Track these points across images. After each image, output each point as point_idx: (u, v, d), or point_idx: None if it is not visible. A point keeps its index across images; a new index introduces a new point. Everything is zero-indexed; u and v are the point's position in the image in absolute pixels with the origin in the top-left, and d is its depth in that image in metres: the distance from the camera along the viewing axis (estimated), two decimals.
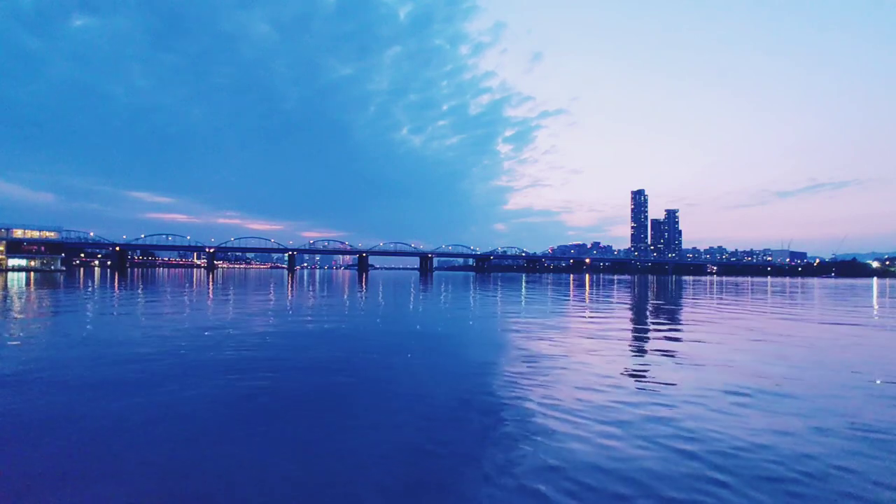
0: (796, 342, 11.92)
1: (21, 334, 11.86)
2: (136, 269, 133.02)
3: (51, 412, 5.50)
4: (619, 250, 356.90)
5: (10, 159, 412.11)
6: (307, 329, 13.33)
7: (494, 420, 5.41)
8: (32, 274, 74.67)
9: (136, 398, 6.10)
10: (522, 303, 25.41)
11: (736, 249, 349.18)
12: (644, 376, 7.84)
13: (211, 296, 27.88)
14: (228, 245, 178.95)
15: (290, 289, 37.77)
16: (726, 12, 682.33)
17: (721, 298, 31.70)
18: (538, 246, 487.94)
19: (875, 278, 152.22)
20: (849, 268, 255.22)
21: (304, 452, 4.44)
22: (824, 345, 11.53)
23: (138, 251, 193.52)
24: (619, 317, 18.75)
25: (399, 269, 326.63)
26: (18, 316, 16.06)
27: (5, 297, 24.62)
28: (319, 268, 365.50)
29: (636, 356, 9.99)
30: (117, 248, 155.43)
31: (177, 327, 13.14)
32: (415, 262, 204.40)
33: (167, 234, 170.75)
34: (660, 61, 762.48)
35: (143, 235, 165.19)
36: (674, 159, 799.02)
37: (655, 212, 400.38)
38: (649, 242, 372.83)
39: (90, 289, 33.28)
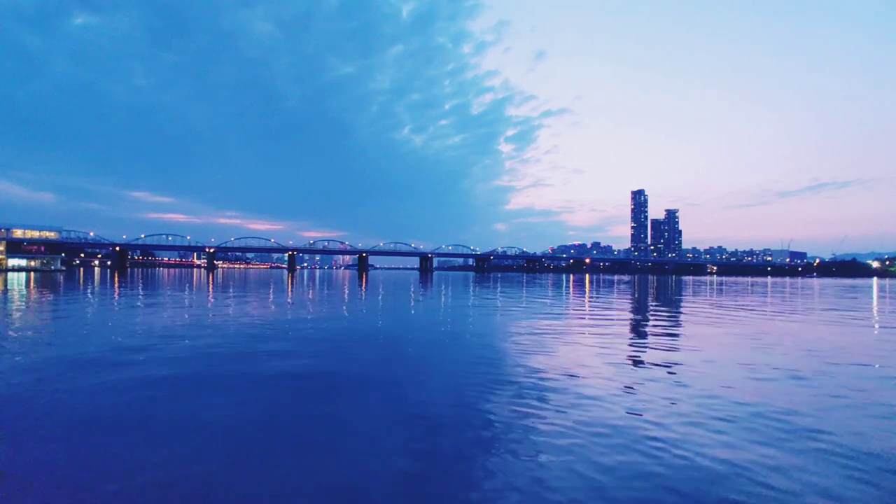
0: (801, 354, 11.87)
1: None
2: (136, 269, 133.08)
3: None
4: (619, 250, 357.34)
5: (10, 159, 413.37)
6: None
7: None
8: (32, 274, 74.73)
9: None
10: (523, 303, 25.41)
11: (736, 249, 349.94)
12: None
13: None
14: (228, 245, 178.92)
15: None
16: (728, 13, 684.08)
17: (720, 300, 31.68)
18: (538, 246, 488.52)
19: (875, 278, 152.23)
20: (849, 268, 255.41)
21: None
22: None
23: (138, 251, 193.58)
24: (620, 321, 18.71)
25: (399, 269, 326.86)
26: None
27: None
28: (319, 268, 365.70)
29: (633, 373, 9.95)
30: (117, 248, 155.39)
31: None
32: (415, 262, 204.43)
33: (167, 234, 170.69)
34: (661, 61, 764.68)
35: (143, 235, 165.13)
36: (674, 159, 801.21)
37: (656, 212, 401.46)
38: (649, 242, 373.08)
39: (93, 290, 33.25)
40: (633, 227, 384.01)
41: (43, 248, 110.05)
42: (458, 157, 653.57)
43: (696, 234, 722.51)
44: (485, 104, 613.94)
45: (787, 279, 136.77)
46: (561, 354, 10.11)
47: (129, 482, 3.92)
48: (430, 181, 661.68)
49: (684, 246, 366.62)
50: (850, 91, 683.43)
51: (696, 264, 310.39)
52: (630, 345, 11.87)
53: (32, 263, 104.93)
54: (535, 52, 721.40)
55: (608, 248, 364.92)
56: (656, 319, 18.55)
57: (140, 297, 26.89)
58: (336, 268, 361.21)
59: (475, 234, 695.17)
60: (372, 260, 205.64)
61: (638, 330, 15.34)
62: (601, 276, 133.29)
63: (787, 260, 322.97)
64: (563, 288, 47.62)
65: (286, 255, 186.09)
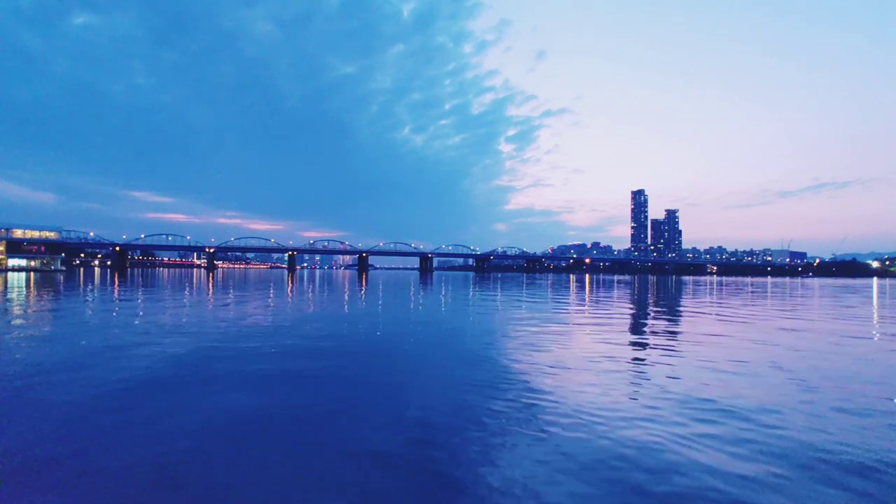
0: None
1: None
2: (136, 269, 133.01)
3: None
4: (619, 250, 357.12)
5: (11, 159, 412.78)
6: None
7: None
8: (32, 274, 74.71)
9: None
10: (523, 305, 25.41)
11: (736, 249, 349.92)
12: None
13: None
14: (228, 245, 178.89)
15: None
16: (728, 13, 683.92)
17: (720, 302, 31.67)
18: (538, 246, 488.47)
19: (875, 278, 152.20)
20: (849, 268, 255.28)
21: None
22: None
23: (138, 251, 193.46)
24: (619, 329, 18.72)
25: (399, 269, 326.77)
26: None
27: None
28: (319, 268, 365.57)
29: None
30: (117, 248, 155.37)
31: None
32: (415, 262, 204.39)
33: (167, 234, 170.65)
34: (661, 61, 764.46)
35: (142, 235, 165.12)
36: (674, 159, 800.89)
37: (656, 212, 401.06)
38: (649, 242, 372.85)
39: (93, 291, 33.24)
40: (633, 227, 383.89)
41: (43, 248, 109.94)
42: (458, 157, 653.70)
43: (696, 234, 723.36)
44: (485, 104, 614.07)
45: (787, 279, 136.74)
46: (560, 354, 10.13)
47: None
48: (430, 181, 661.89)
49: (684, 246, 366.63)
50: (850, 91, 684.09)
51: (696, 264, 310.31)
52: (631, 350, 11.88)
53: (32, 263, 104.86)
54: (536, 51, 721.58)
55: (608, 248, 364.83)
56: (655, 334, 18.57)
57: (139, 298, 26.89)
58: (336, 268, 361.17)
59: (475, 234, 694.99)
60: (372, 260, 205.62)
61: (637, 333, 15.35)
62: (601, 277, 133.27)
63: (787, 260, 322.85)
64: (563, 288, 47.62)
65: (286, 255, 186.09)
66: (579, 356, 9.51)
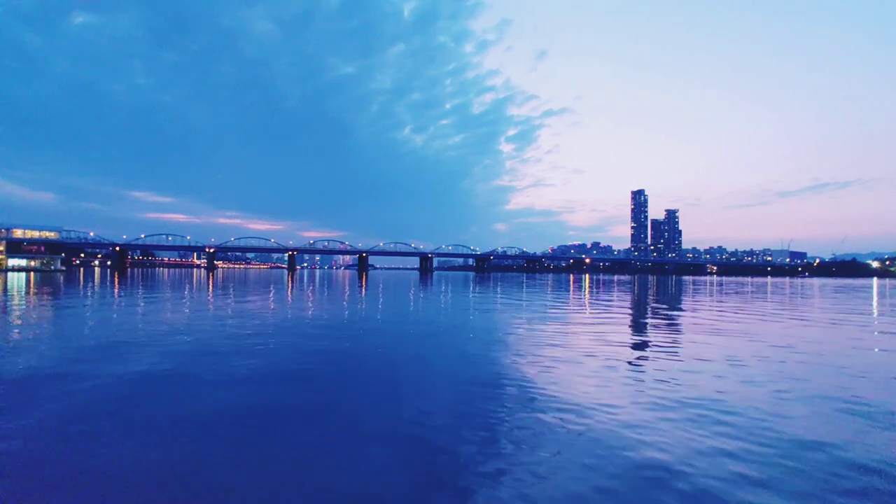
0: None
1: None
2: (135, 269, 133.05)
3: None
4: (619, 250, 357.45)
5: (10, 159, 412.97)
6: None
7: None
8: (32, 274, 74.69)
9: None
10: (523, 305, 25.40)
11: (736, 249, 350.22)
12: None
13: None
14: (228, 245, 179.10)
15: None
16: (728, 13, 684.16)
17: (720, 304, 31.62)
18: (538, 246, 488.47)
19: (875, 278, 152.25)
20: (849, 268, 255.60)
21: None
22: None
23: (138, 251, 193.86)
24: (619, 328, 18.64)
25: (399, 269, 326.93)
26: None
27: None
28: (319, 268, 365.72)
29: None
30: (117, 248, 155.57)
31: None
32: (415, 262, 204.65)
33: (167, 234, 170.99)
34: (661, 61, 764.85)
35: (143, 235, 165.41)
36: (674, 159, 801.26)
37: (656, 212, 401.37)
38: (649, 242, 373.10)
39: (93, 292, 33.21)
40: (633, 227, 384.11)
41: (43, 248, 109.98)
42: (458, 157, 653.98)
43: (696, 234, 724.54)
44: (486, 104, 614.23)
45: (787, 279, 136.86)
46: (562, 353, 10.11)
47: None
48: (430, 181, 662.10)
49: (684, 246, 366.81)
50: (850, 91, 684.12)
51: (696, 264, 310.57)
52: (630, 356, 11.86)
53: (32, 263, 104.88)
54: (537, 51, 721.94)
55: (608, 248, 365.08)
56: (655, 334, 18.52)
57: (140, 300, 26.87)
58: (336, 268, 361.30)
59: (475, 234, 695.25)
60: (372, 260, 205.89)
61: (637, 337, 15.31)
62: (601, 277, 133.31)
63: (787, 260, 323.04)
64: (563, 289, 47.60)
65: (286, 255, 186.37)
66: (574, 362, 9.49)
